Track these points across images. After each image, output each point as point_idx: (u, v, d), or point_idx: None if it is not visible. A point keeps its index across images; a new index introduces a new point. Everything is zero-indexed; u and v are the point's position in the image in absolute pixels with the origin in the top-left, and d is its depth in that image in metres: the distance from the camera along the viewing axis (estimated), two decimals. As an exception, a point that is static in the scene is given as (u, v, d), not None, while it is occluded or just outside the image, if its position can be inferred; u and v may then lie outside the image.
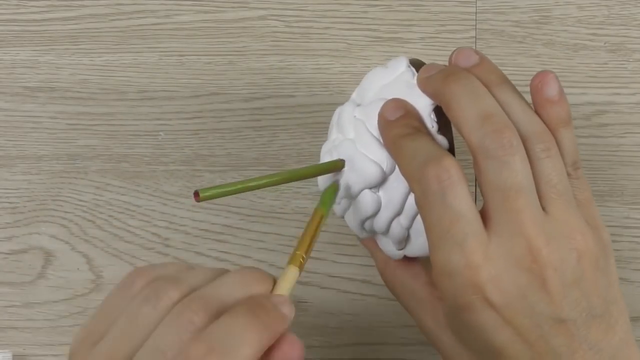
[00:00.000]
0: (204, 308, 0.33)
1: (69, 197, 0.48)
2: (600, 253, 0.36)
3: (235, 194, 0.36)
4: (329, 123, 0.43)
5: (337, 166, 0.39)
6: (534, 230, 0.35)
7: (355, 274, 0.47)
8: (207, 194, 0.34)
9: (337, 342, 0.47)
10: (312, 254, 0.47)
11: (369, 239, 0.43)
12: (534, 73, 0.46)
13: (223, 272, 0.35)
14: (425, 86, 0.38)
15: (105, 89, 0.48)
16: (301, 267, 0.35)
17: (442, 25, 0.48)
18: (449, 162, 0.35)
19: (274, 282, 0.35)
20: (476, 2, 0.47)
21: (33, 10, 0.48)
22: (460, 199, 0.35)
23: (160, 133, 0.48)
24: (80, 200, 0.48)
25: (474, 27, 0.48)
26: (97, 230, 0.47)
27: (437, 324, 0.39)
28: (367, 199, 0.39)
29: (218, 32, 0.48)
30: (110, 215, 0.47)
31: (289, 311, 0.34)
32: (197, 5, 0.48)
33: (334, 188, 0.39)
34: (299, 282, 0.47)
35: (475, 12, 0.48)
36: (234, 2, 0.48)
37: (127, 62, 0.48)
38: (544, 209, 0.36)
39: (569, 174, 0.37)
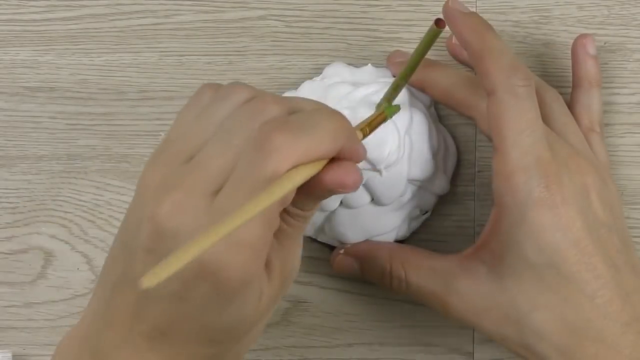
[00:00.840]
0: (279, 102, 0.32)
1: (69, 197, 0.48)
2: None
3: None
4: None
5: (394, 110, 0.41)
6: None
7: (355, 274, 0.47)
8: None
9: (337, 342, 0.47)
10: (313, 254, 0.47)
11: (359, 251, 0.44)
12: (535, 73, 0.46)
13: None
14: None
15: (105, 89, 0.48)
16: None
17: (442, 25, 0.47)
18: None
19: None
20: (476, 2, 0.47)
21: (33, 10, 0.48)
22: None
23: (161, 133, 0.48)
24: (80, 200, 0.48)
25: (474, 27, 0.47)
26: (97, 230, 0.47)
27: (475, 276, 0.39)
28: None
29: (218, 32, 0.48)
30: (110, 215, 0.47)
31: (362, 145, 0.34)
32: (197, 5, 0.48)
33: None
34: (298, 282, 0.47)
35: (475, 12, 0.48)
36: (234, 2, 0.48)
37: (127, 62, 0.48)
38: None
39: (594, 130, 0.43)
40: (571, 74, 0.45)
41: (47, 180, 0.48)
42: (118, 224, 0.47)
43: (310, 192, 0.32)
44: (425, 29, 0.47)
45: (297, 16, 0.48)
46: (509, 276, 0.38)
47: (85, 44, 0.48)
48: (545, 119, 0.40)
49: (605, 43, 0.47)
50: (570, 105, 0.44)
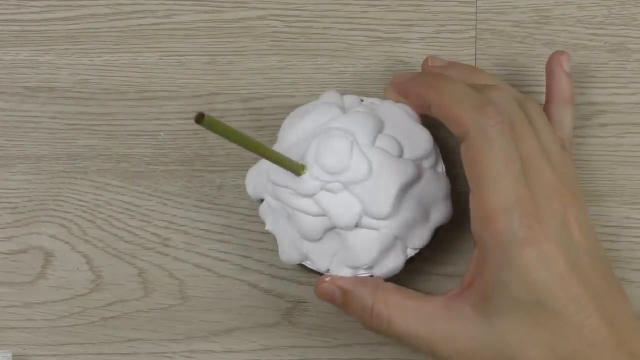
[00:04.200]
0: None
1: (69, 197, 0.48)
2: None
3: (227, 138, 0.36)
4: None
5: (298, 169, 0.41)
6: (548, 168, 0.39)
7: (355, 274, 0.47)
8: (208, 121, 0.34)
9: (337, 342, 0.47)
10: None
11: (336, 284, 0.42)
12: (534, 73, 0.46)
13: None
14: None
15: (105, 89, 0.48)
16: None
17: (442, 25, 0.48)
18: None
19: None
20: (476, 2, 0.47)
21: (33, 10, 0.48)
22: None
23: (160, 133, 0.48)
24: (80, 200, 0.48)
25: (474, 27, 0.48)
26: (97, 230, 0.47)
27: (461, 318, 0.39)
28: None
29: (218, 32, 0.48)
30: (110, 215, 0.47)
31: None
32: (197, 5, 0.48)
33: None
34: (298, 282, 0.47)
35: (475, 12, 0.48)
36: (234, 2, 0.48)
37: (127, 62, 0.48)
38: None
39: (564, 148, 0.42)
40: (573, 74, 0.45)
41: (47, 180, 0.48)
42: (118, 223, 0.47)
43: None
44: (426, 29, 0.47)
45: (297, 16, 0.48)
46: (497, 315, 0.38)
47: (85, 44, 0.48)
48: None
49: (605, 43, 0.47)
50: None
